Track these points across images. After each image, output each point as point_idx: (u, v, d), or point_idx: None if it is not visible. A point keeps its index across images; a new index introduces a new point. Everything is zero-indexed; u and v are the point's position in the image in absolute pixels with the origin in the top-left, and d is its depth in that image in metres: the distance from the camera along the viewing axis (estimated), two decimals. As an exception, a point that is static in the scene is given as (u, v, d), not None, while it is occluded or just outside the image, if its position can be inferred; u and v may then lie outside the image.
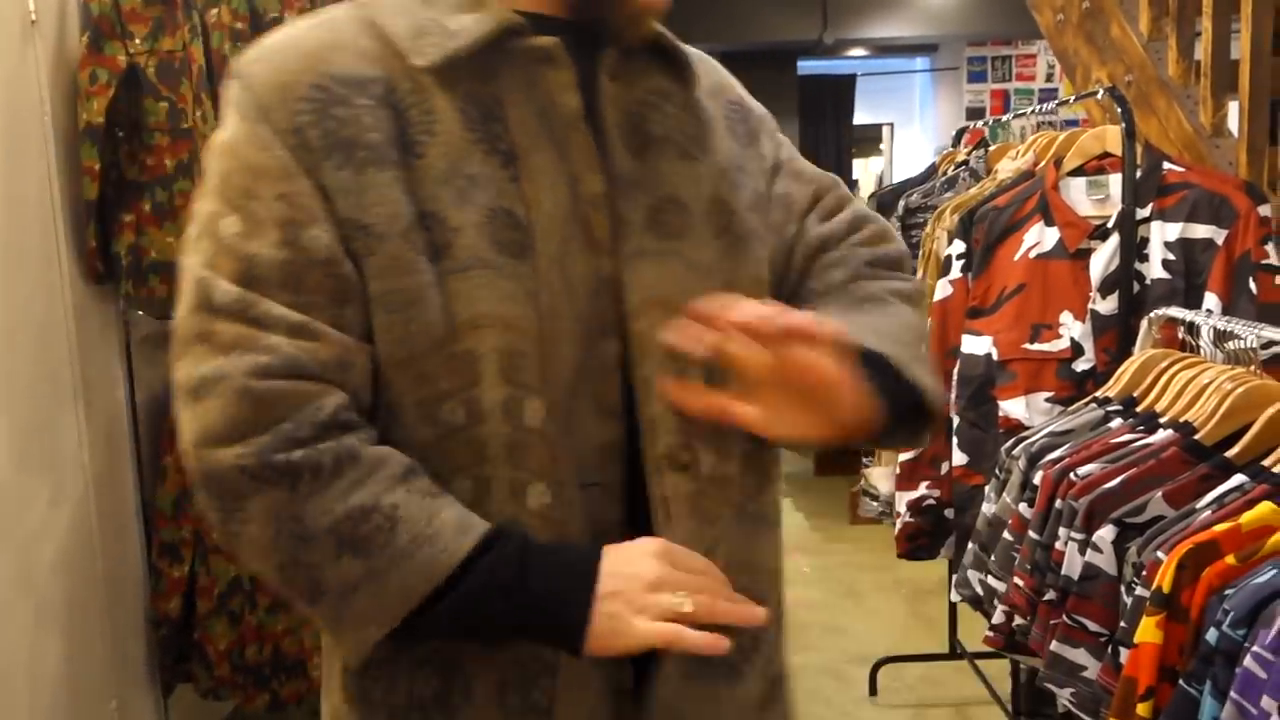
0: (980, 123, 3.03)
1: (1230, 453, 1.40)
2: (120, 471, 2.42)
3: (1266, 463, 1.32)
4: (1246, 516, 1.17)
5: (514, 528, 0.85)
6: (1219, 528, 1.17)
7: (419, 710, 0.90)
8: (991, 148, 2.72)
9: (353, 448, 0.82)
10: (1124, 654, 1.23)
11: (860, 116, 8.55)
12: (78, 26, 2.27)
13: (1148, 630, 1.16)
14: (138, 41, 2.27)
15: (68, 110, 2.23)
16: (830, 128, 8.31)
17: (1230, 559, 1.14)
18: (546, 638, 0.85)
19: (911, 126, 8.92)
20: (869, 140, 9.70)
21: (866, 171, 11.11)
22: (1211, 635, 1.08)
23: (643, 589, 0.82)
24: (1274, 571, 1.08)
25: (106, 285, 2.34)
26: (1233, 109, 2.28)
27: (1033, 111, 2.67)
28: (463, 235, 0.83)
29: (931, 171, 2.97)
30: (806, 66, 7.85)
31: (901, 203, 2.76)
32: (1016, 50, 7.84)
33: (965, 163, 2.72)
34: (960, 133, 3.04)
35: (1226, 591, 1.10)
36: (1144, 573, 1.25)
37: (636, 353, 0.88)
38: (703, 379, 0.90)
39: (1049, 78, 7.86)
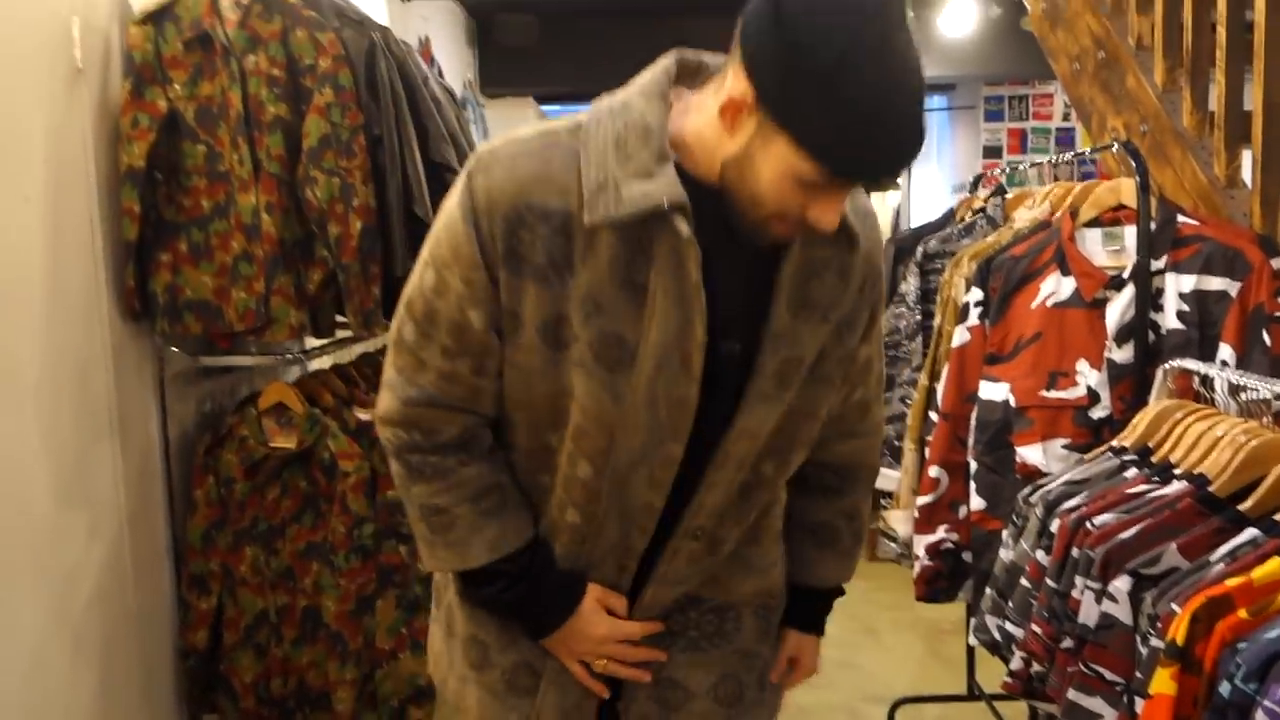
0: (998, 170, 3.07)
1: (1243, 506, 1.43)
2: (152, 505, 2.47)
3: (1278, 517, 1.35)
4: (1258, 571, 1.20)
5: (541, 549, 1.30)
6: (1231, 582, 1.20)
7: (477, 646, 1.37)
8: (1009, 195, 2.77)
9: (450, 467, 1.27)
10: (1140, 704, 1.26)
11: (878, 153, 8.61)
12: (120, 73, 2.35)
13: (1162, 682, 1.19)
14: (177, 87, 2.35)
15: (110, 154, 2.30)
16: (848, 165, 8.38)
17: (1243, 613, 1.17)
18: (524, 626, 1.33)
19: (929, 163, 8.96)
20: (886, 176, 9.75)
21: (883, 205, 11.14)
22: (1224, 689, 1.11)
23: (585, 645, 1.32)
24: (1285, 627, 1.11)
25: (142, 323, 2.41)
26: (1247, 160, 2.32)
27: (1050, 161, 2.72)
28: (579, 343, 1.17)
29: (949, 217, 3.02)
30: (825, 105, 7.92)
31: (920, 248, 2.80)
32: (1033, 90, 7.89)
33: (983, 210, 2.77)
34: (977, 179, 3.08)
35: (1239, 645, 1.13)
36: (1159, 624, 1.28)
37: (719, 462, 1.25)
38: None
39: (1065, 117, 7.90)
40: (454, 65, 5.64)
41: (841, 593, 1.56)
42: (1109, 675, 1.44)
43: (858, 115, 1.00)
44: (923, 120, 1.06)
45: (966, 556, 2.33)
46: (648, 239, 1.13)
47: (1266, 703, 1.04)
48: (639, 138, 1.14)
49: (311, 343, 2.78)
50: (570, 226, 1.14)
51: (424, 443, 1.26)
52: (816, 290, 1.21)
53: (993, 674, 2.24)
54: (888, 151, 1.04)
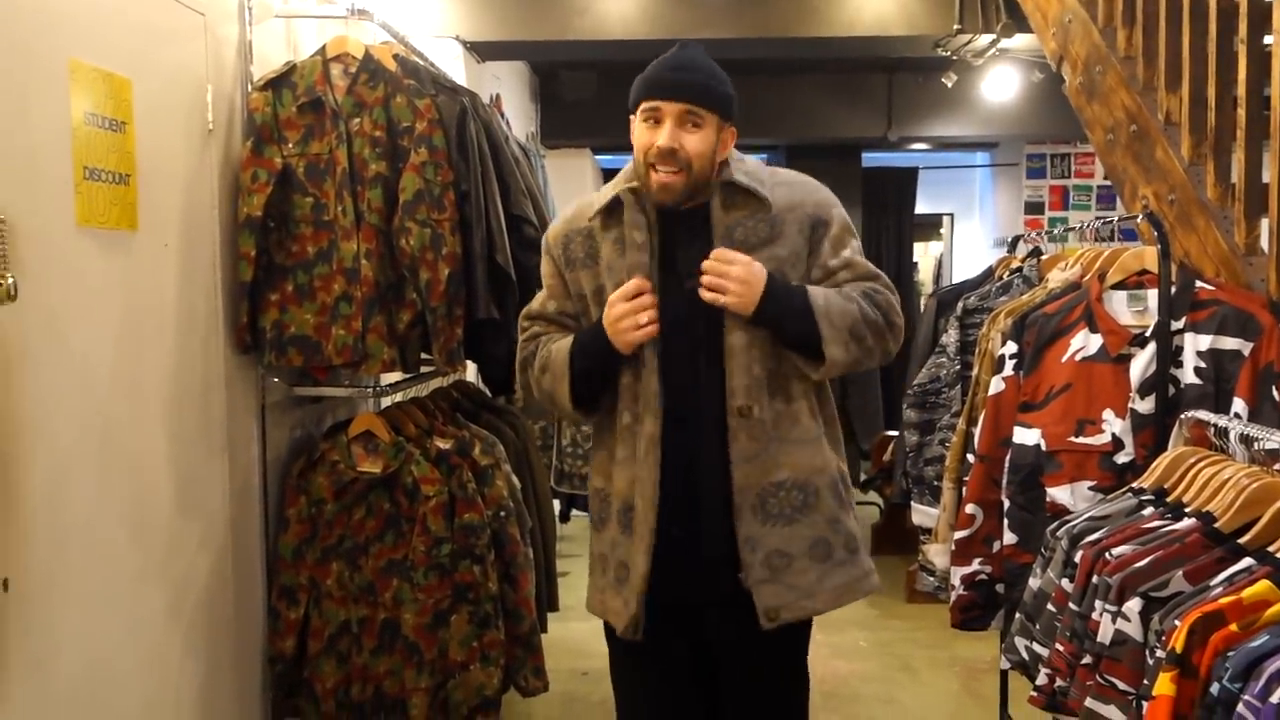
0: (1036, 233, 3.28)
1: (1243, 540, 1.63)
2: (250, 521, 2.72)
3: (1272, 549, 1.54)
4: (1247, 592, 1.39)
5: (589, 329, 2.04)
6: (1225, 600, 1.40)
7: (600, 560, 2.09)
8: (1044, 256, 2.97)
9: (537, 347, 2.10)
10: (1145, 706, 1.45)
11: (921, 206, 8.83)
12: (241, 133, 2.63)
13: (1163, 684, 1.38)
14: (291, 145, 2.63)
15: (231, 204, 2.58)
16: (892, 217, 8.58)
17: (1233, 627, 1.36)
18: (596, 346, 1.98)
19: (971, 218, 9.15)
20: (929, 226, 9.96)
21: (926, 255, 11.37)
22: (1215, 689, 1.30)
23: (612, 323, 1.94)
24: (1268, 638, 1.30)
25: (250, 354, 2.67)
26: (1265, 229, 2.50)
27: (1088, 226, 2.91)
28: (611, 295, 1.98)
29: (988, 275, 3.23)
30: (871, 159, 8.17)
31: (960, 304, 3.02)
32: (1075, 149, 8.04)
33: (1020, 269, 2.98)
34: (1016, 239, 3.29)
35: (1229, 653, 1.33)
36: (1163, 637, 1.48)
37: (728, 353, 1.93)
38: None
39: (1106, 175, 8.06)
40: (518, 118, 5.95)
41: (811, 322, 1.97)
42: (1122, 685, 1.63)
43: (641, 77, 1.96)
44: (689, 64, 1.93)
45: (999, 588, 2.51)
46: (621, 224, 1.98)
47: (1246, 697, 1.23)
48: (621, 172, 2.04)
49: (388, 378, 3.04)
50: (592, 231, 2.03)
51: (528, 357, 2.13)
52: (740, 234, 1.95)
53: (1025, 711, 2.40)
54: (651, 76, 1.93)
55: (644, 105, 1.92)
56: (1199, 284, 2.31)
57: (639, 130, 1.94)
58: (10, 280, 1.77)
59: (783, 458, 1.94)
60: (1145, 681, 1.50)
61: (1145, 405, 2.30)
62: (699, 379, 1.95)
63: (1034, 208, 8.16)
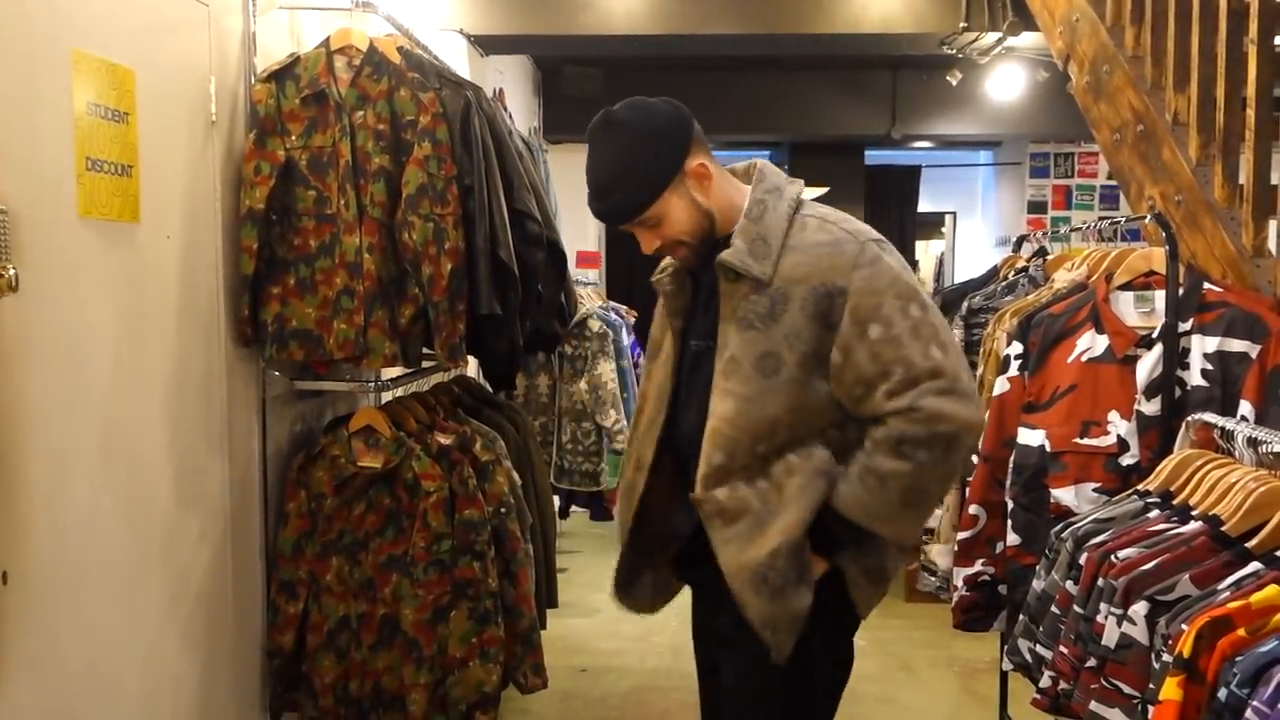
0: (1040, 233, 3.27)
1: (1251, 543, 1.61)
2: (250, 515, 2.70)
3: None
4: (1256, 596, 1.38)
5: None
6: (1233, 605, 1.39)
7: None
8: (1050, 256, 2.96)
9: None
10: (1150, 711, 1.44)
11: (924, 204, 8.83)
12: (245, 125, 2.61)
13: (1170, 689, 1.37)
14: (294, 138, 2.61)
15: (234, 197, 2.57)
16: (894, 214, 8.59)
17: (1241, 631, 1.35)
18: None
19: (974, 216, 9.14)
20: (931, 224, 9.96)
21: (927, 253, 11.37)
22: (1222, 694, 1.29)
23: None
24: (1276, 643, 1.29)
25: (252, 348, 2.66)
26: (1273, 230, 2.49)
27: (1092, 226, 2.90)
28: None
29: (993, 274, 3.22)
30: (874, 156, 8.16)
31: (965, 303, 3.00)
32: (1079, 149, 8.03)
33: (1025, 269, 2.96)
34: (1021, 239, 3.28)
35: (1237, 659, 1.32)
36: (1170, 642, 1.47)
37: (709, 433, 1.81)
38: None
39: (1110, 175, 8.05)
40: (521, 113, 5.93)
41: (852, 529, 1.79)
42: (1127, 689, 1.61)
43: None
44: (600, 186, 1.84)
45: (1001, 589, 2.50)
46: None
47: (1255, 703, 1.22)
48: None
49: (388, 372, 3.02)
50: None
51: None
52: (742, 311, 1.79)
53: (1025, 711, 2.39)
54: (588, 201, 1.87)
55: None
56: (1206, 285, 2.29)
57: None
58: (12, 271, 1.76)
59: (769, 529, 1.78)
60: (1151, 686, 1.49)
61: (1151, 407, 2.29)
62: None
63: (1037, 207, 8.15)
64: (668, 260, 1.96)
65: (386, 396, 3.03)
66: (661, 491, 1.97)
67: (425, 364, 2.92)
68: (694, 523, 1.86)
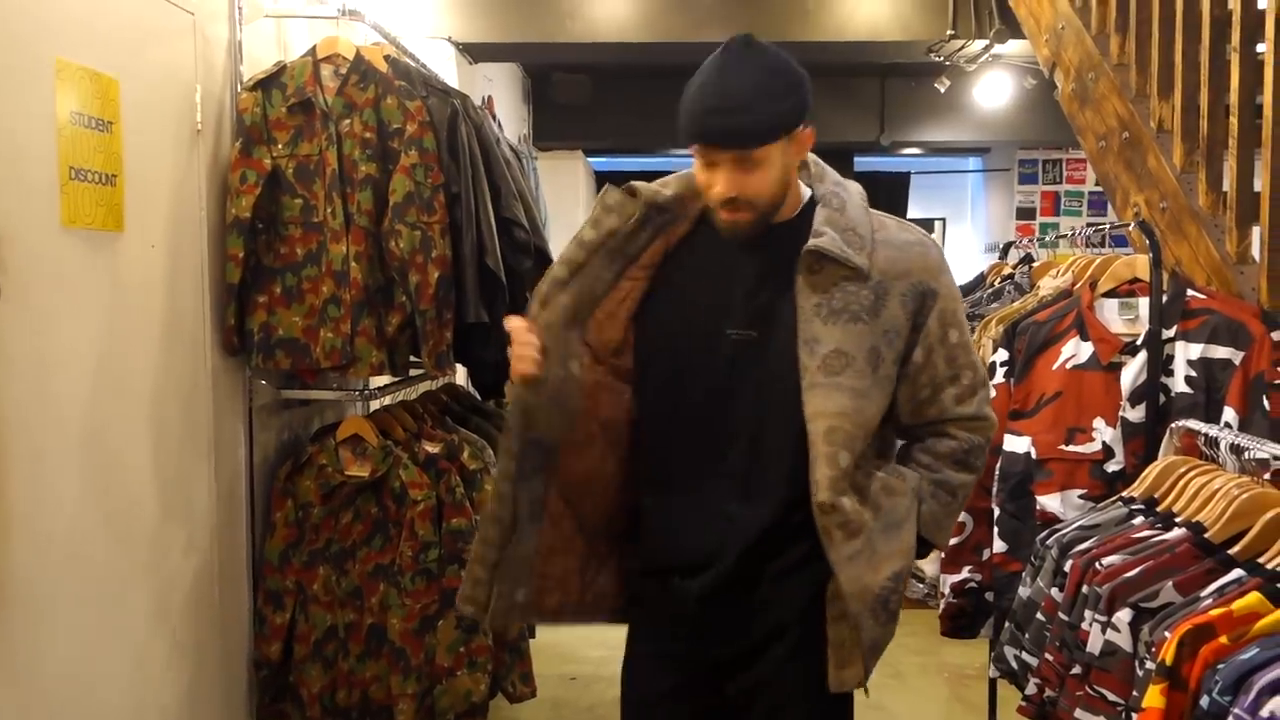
0: (1028, 239, 3.28)
1: (1233, 550, 1.62)
2: (236, 524, 2.69)
3: (1262, 559, 1.54)
4: (1238, 604, 1.39)
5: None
6: (1215, 612, 1.39)
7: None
8: (1035, 263, 2.97)
9: None
10: (1134, 718, 1.44)
11: (913, 211, 8.84)
12: (231, 134, 2.61)
13: (1153, 697, 1.38)
14: (280, 146, 2.61)
15: (219, 205, 2.56)
16: (883, 222, 8.60)
17: (1223, 639, 1.35)
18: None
19: (963, 223, 9.17)
20: (921, 232, 9.97)
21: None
22: (1204, 701, 1.29)
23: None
24: (1258, 650, 1.29)
25: (238, 357, 2.65)
26: (1256, 238, 2.50)
27: (1079, 233, 2.91)
28: None
29: (980, 281, 3.23)
30: (863, 163, 8.18)
31: (951, 310, 3.00)
32: (1067, 155, 8.06)
33: (1011, 277, 2.97)
34: (1008, 246, 3.29)
35: (1219, 666, 1.32)
36: (1153, 649, 1.47)
37: (812, 438, 1.64)
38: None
39: (1098, 181, 8.08)
40: (510, 120, 5.93)
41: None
42: (1111, 696, 1.62)
43: (684, 104, 1.66)
44: (731, 99, 1.63)
45: (988, 596, 2.51)
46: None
47: (1236, 710, 1.22)
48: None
49: (376, 381, 3.01)
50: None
51: None
52: (840, 301, 1.68)
53: (1014, 718, 2.39)
54: (693, 116, 1.64)
55: (689, 142, 1.68)
56: (1190, 292, 2.30)
57: (695, 163, 1.69)
58: (-7, 281, 1.75)
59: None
60: (1135, 693, 1.49)
61: (1136, 414, 2.29)
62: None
63: (1025, 213, 8.19)
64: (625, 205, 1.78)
65: (374, 405, 3.03)
66: (675, 508, 1.76)
67: (413, 372, 2.91)
68: (738, 543, 1.70)
